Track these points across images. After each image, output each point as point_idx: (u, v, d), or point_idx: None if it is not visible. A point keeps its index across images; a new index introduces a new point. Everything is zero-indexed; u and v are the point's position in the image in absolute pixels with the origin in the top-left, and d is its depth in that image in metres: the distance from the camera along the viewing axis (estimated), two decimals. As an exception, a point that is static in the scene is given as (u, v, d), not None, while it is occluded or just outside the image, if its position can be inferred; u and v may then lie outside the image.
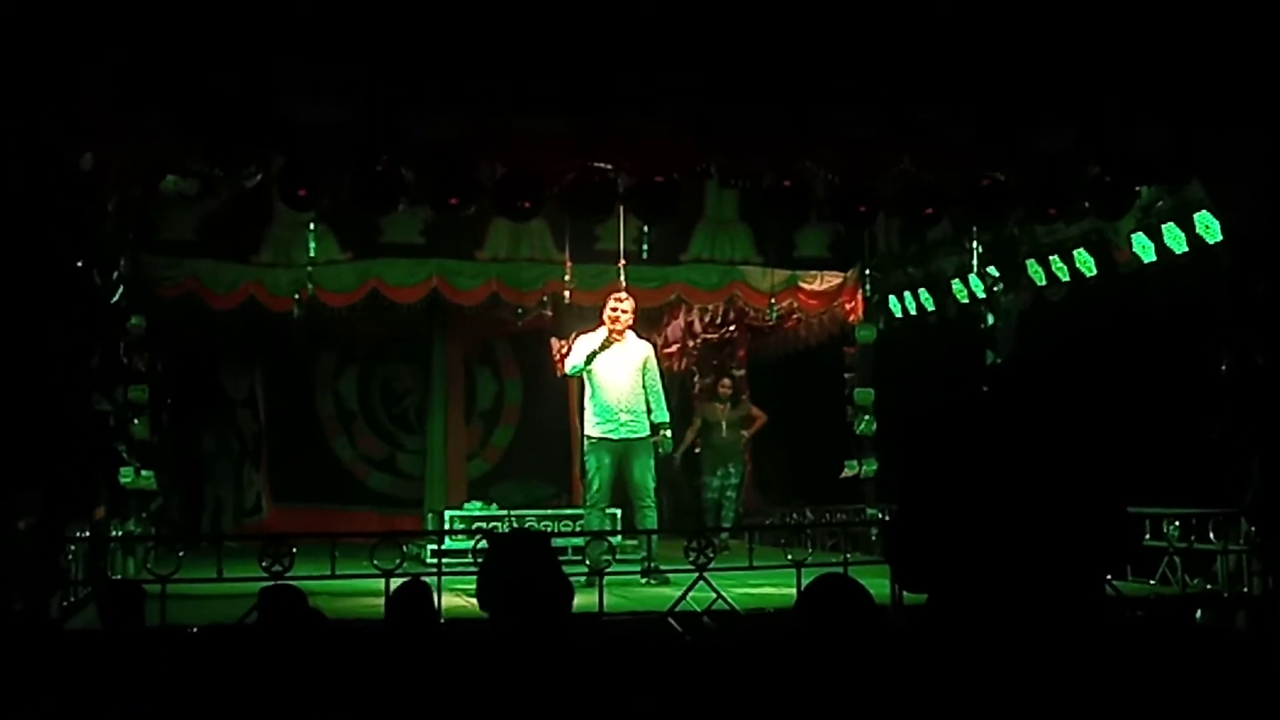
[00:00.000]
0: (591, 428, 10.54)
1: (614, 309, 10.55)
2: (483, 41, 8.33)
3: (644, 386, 10.55)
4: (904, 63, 8.60)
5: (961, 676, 3.74)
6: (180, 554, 8.26)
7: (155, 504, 12.06)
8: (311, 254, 11.28)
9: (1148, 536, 9.07)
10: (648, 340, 10.95)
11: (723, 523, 14.02)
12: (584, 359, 10.50)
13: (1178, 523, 9.12)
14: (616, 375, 10.50)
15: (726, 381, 14.84)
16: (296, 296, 12.00)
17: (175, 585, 7.82)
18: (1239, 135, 8.83)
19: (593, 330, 10.72)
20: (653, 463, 10.60)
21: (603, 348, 10.44)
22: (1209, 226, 9.35)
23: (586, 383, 10.60)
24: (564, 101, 8.52)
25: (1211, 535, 9.03)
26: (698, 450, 14.83)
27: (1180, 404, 9.46)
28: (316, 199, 9.26)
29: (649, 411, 10.55)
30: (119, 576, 9.29)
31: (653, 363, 10.72)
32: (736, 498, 14.55)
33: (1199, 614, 8.51)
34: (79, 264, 8.89)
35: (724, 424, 14.57)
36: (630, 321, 10.64)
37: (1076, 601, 3.85)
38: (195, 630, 7.49)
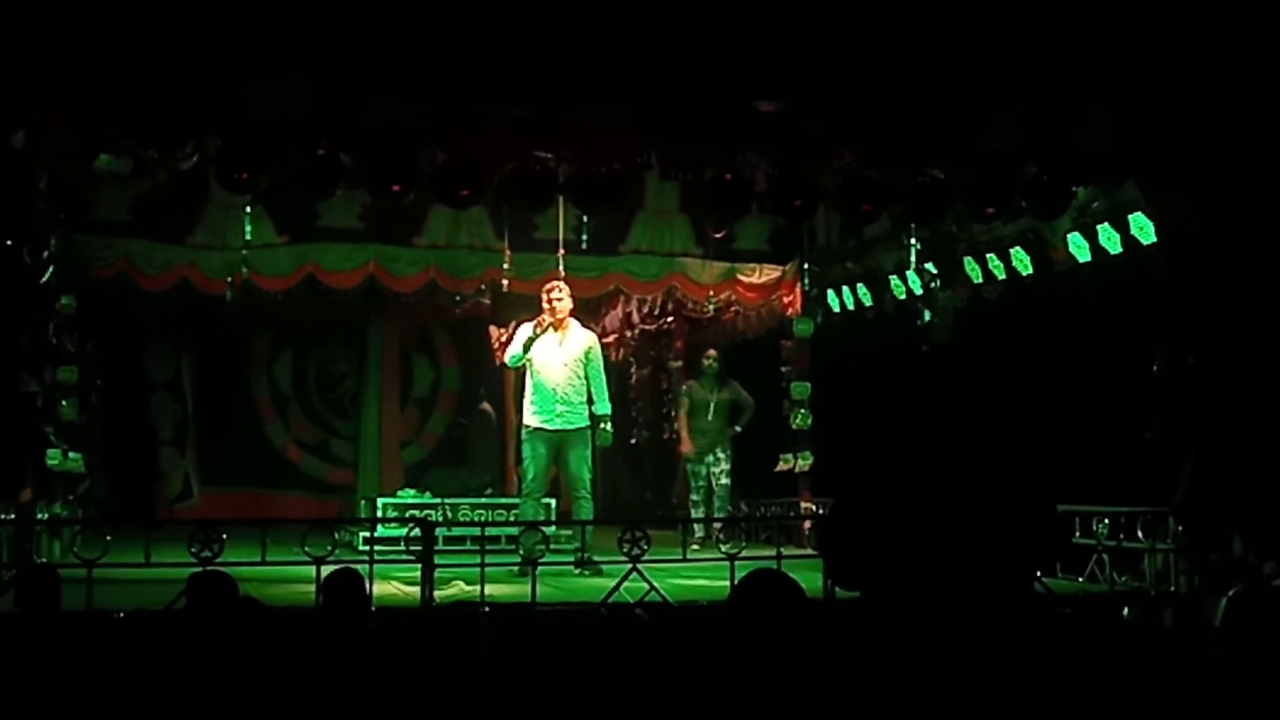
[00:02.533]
0: (528, 417, 10.49)
1: (550, 301, 10.51)
2: (426, 29, 8.27)
3: (586, 376, 10.52)
4: (846, 58, 8.62)
5: (892, 671, 3.75)
6: (108, 538, 8.15)
7: (83, 486, 11.91)
8: (247, 237, 11.14)
9: (1077, 534, 9.13)
10: (592, 330, 10.86)
11: (717, 514, 12.75)
12: (521, 348, 10.46)
13: (1107, 521, 9.21)
14: (555, 366, 10.45)
15: (712, 352, 13.46)
16: (230, 279, 11.87)
17: (102, 569, 7.71)
18: (1175, 137, 8.91)
19: (533, 319, 10.68)
20: (589, 454, 10.57)
21: (538, 334, 10.38)
22: (1143, 228, 9.45)
23: (526, 372, 10.55)
24: (507, 91, 8.47)
25: (1140, 534, 9.12)
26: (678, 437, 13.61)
27: (1112, 403, 9.56)
28: (256, 183, 9.16)
29: (589, 402, 10.53)
30: (44, 560, 9.17)
31: (597, 353, 10.68)
32: (730, 485, 13.24)
33: (1126, 611, 8.60)
34: (8, 242, 8.76)
35: (711, 405, 13.25)
36: (569, 310, 10.61)
37: (1006, 598, 3.87)
38: (122, 615, 7.40)
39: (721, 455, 13.20)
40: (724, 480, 13.18)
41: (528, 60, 8.36)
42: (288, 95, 8.42)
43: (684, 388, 13.86)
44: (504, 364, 11.15)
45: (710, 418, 13.22)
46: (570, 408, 10.45)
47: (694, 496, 13.32)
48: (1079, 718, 4.12)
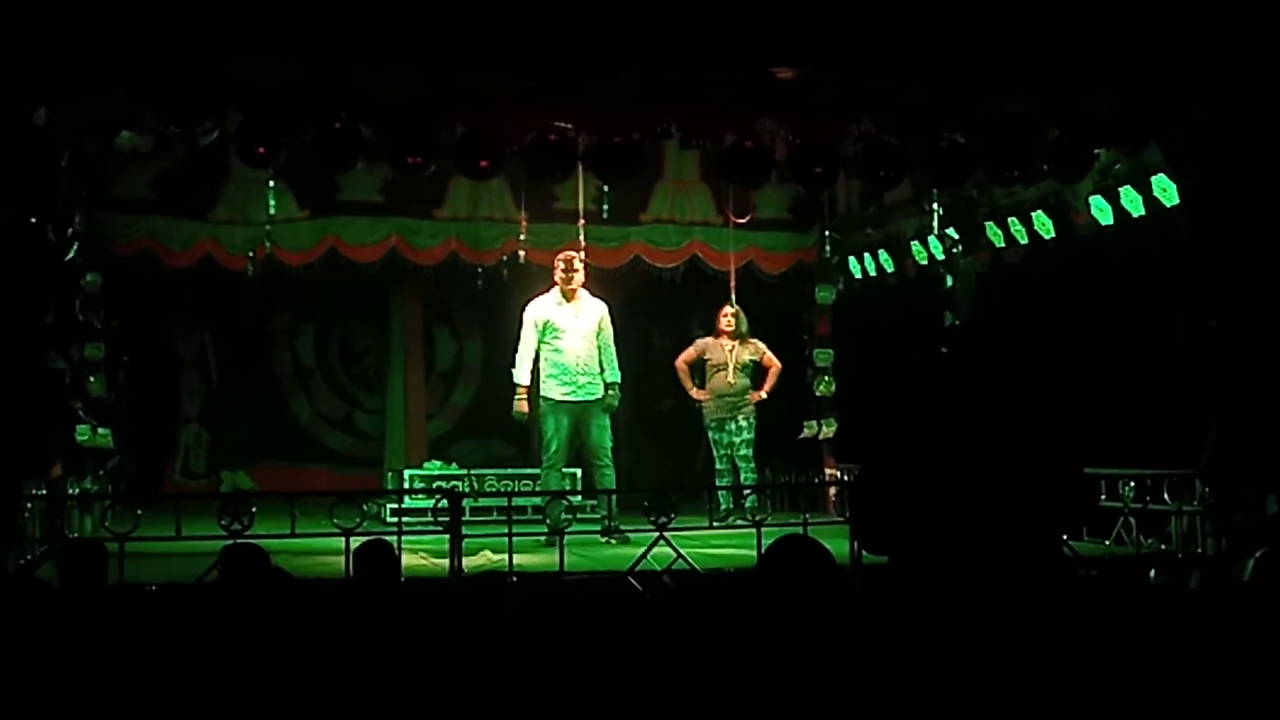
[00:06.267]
0: (549, 389, 10.48)
1: (565, 270, 10.48)
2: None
3: (598, 346, 10.51)
4: (864, 24, 8.59)
5: (921, 636, 3.77)
6: (139, 512, 8.22)
7: (112, 462, 11.98)
8: (270, 212, 11.19)
9: (1104, 497, 9.14)
10: (602, 300, 10.85)
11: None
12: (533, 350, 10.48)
13: (1133, 484, 9.20)
14: (574, 337, 10.45)
15: (728, 310, 12.07)
16: (253, 254, 11.92)
17: (133, 543, 7.77)
18: (1195, 99, 8.87)
19: (545, 293, 10.64)
20: (609, 423, 10.59)
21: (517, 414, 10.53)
22: (1166, 189, 9.40)
23: (544, 345, 10.53)
24: (525, 61, 8.48)
25: (1166, 496, 9.12)
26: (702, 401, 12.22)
27: (1137, 366, 9.54)
28: (274, 156, 9.19)
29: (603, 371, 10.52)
30: (76, 535, 9.25)
31: (607, 322, 10.63)
32: (752, 456, 12.00)
33: (1153, 574, 8.60)
34: (32, 220, 8.81)
35: (731, 366, 12.02)
36: (581, 280, 10.58)
37: (1034, 561, 3.89)
38: (154, 588, 7.46)
39: (744, 423, 11.97)
40: (745, 452, 11.95)
41: (542, 31, 8.35)
42: (298, 71, 8.45)
43: (697, 345, 12.37)
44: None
45: (731, 379, 11.98)
46: (591, 378, 10.45)
47: (719, 466, 12.15)
48: (1106, 680, 4.13)
